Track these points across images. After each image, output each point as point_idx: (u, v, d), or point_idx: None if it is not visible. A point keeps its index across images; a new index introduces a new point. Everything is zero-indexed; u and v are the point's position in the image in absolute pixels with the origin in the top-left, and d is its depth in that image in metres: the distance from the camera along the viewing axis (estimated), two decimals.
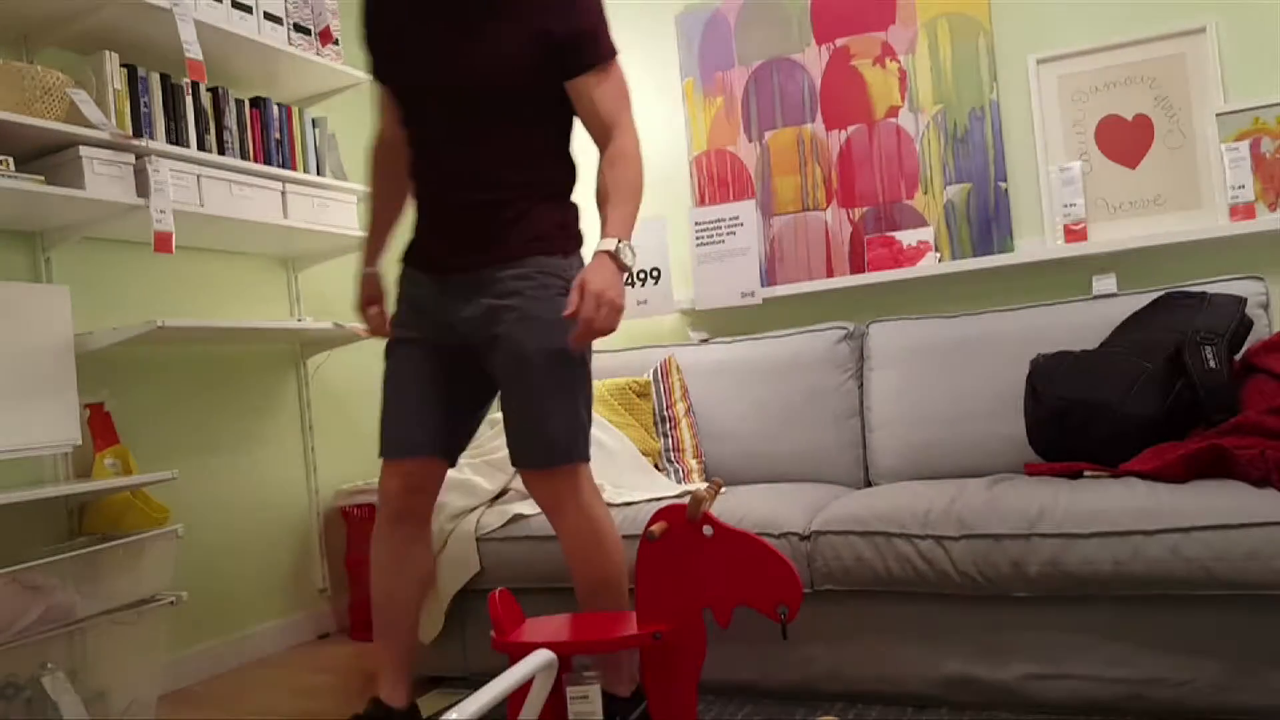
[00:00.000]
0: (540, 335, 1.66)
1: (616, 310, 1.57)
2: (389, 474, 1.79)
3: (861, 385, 2.53)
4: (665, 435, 2.57)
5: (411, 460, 1.77)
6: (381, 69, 1.79)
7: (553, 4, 1.65)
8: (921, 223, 2.82)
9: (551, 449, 1.68)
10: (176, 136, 2.42)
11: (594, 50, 1.68)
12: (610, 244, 1.61)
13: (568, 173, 1.78)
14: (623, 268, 1.61)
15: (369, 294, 1.93)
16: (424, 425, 1.76)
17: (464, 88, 1.66)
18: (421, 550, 1.84)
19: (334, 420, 3.17)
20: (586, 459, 1.73)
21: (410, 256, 1.82)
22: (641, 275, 3.02)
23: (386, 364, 1.81)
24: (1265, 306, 2.18)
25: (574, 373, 1.70)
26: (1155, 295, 2.23)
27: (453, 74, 1.66)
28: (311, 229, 2.71)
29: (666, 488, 2.33)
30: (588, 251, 1.75)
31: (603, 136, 1.71)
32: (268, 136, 2.69)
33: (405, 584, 1.82)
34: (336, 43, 2.90)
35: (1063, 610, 1.75)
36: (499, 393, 1.76)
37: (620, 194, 1.67)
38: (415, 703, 1.85)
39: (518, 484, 2.42)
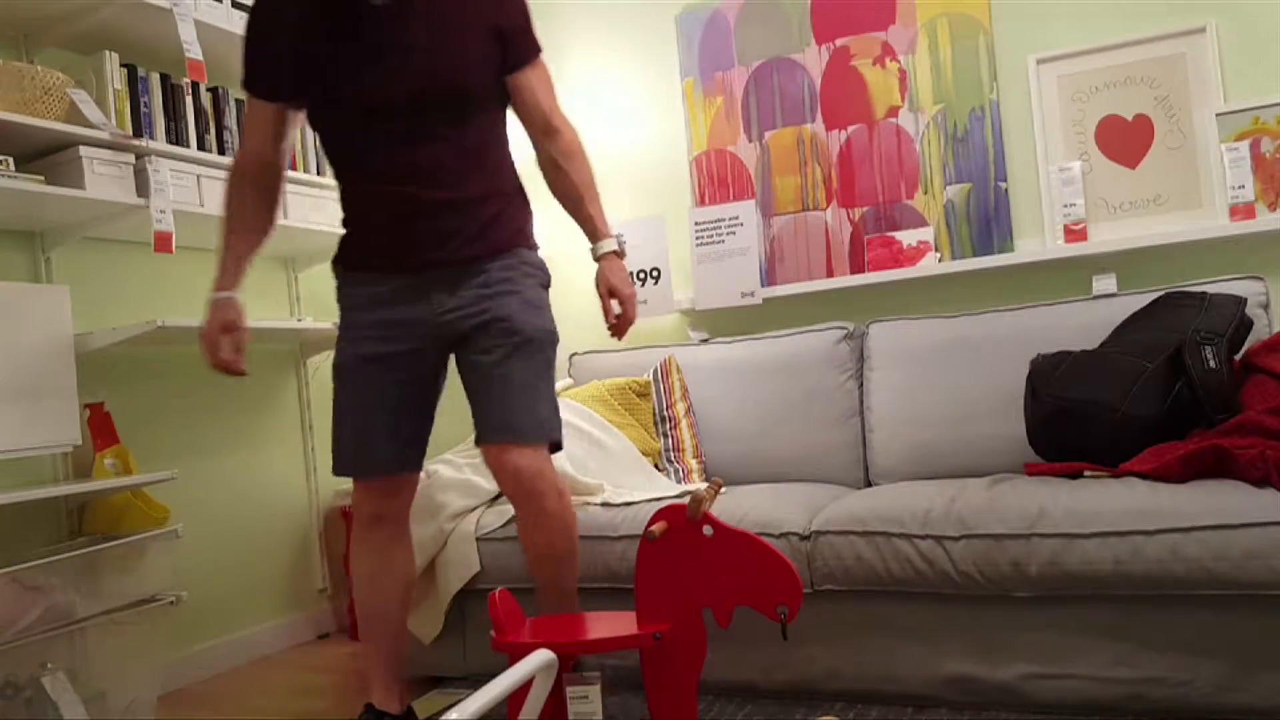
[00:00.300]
0: (537, 317, 1.74)
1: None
2: (363, 491, 1.78)
3: (861, 385, 2.53)
4: (665, 435, 2.57)
5: (386, 479, 1.77)
6: (295, 86, 1.70)
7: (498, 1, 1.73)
8: (921, 223, 2.82)
9: (544, 425, 1.72)
10: (176, 136, 2.42)
11: (531, 43, 1.77)
12: (613, 244, 1.79)
13: (515, 168, 1.83)
14: (621, 259, 1.83)
15: (227, 319, 1.71)
16: (395, 442, 1.75)
17: (437, 89, 1.66)
18: (402, 553, 1.84)
19: None
20: (561, 445, 1.78)
21: (361, 262, 1.75)
22: (641, 275, 3.02)
23: (344, 378, 1.74)
24: (1265, 306, 2.18)
25: (553, 360, 1.78)
26: (1155, 295, 2.23)
27: (424, 76, 1.65)
28: (311, 229, 2.71)
29: (666, 488, 2.33)
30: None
31: (543, 129, 1.79)
32: None
33: (389, 589, 1.81)
34: None
35: (1063, 610, 1.75)
36: (473, 377, 1.73)
37: (591, 191, 1.81)
38: (410, 706, 1.85)
39: None
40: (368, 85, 1.65)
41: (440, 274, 1.71)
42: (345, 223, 1.78)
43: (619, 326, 1.82)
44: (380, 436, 1.73)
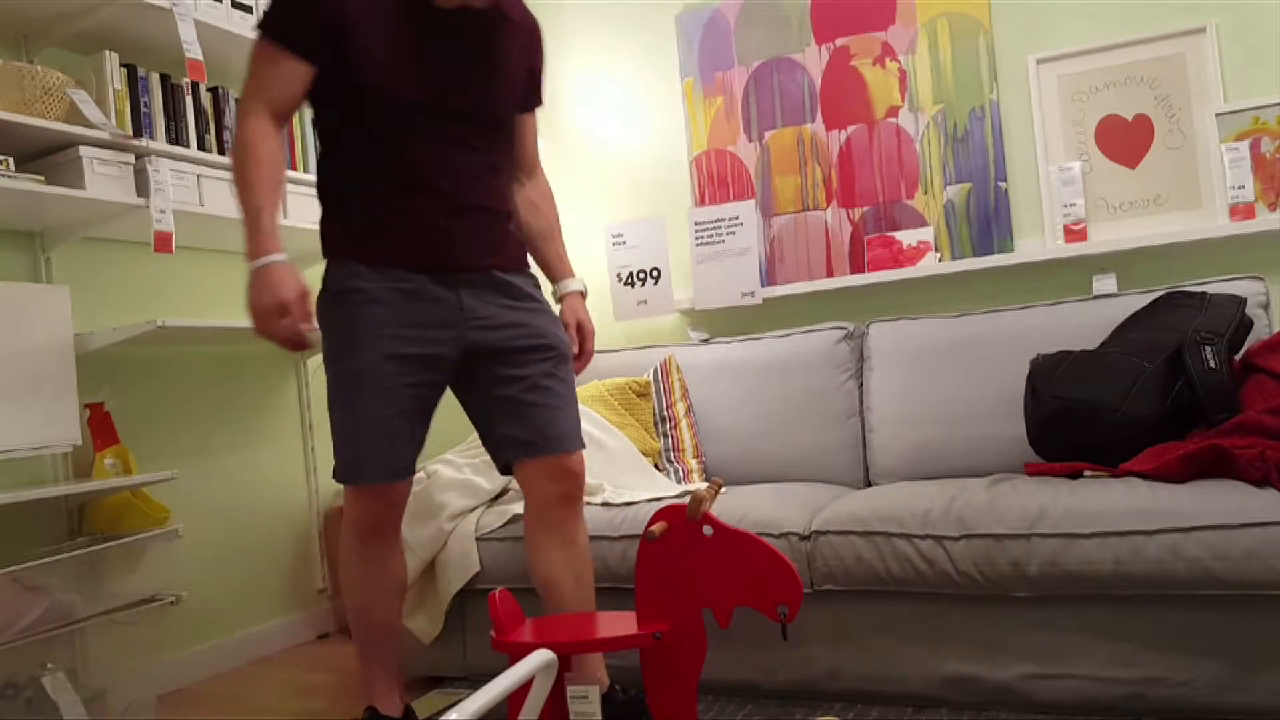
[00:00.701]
0: (563, 332, 1.82)
1: None
2: (372, 499, 1.70)
3: (861, 385, 2.53)
4: (665, 435, 2.57)
5: (400, 485, 1.72)
6: (346, 64, 1.62)
7: (537, 44, 1.85)
8: (921, 223, 2.82)
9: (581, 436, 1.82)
10: (176, 136, 2.42)
11: (541, 92, 1.90)
12: (580, 284, 1.92)
13: None
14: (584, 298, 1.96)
15: (301, 285, 1.54)
16: (410, 447, 1.71)
17: (488, 105, 1.72)
18: (397, 558, 1.81)
19: None
20: None
21: (382, 254, 1.66)
22: (641, 275, 3.02)
23: (360, 380, 1.63)
24: (1265, 306, 2.18)
25: None
26: (1155, 295, 2.23)
27: (481, 91, 1.70)
28: (311, 229, 2.71)
29: (666, 488, 2.33)
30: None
31: (529, 170, 1.91)
32: None
33: (390, 594, 1.80)
34: None
35: (1063, 610, 1.75)
36: (515, 391, 1.73)
37: (560, 234, 1.93)
38: (409, 705, 1.85)
39: (518, 484, 2.42)
40: (430, 87, 1.65)
41: (468, 277, 1.71)
42: (357, 214, 1.67)
43: (581, 361, 1.91)
44: (400, 442, 1.69)
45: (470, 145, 1.70)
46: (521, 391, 1.72)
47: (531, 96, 1.86)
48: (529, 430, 1.73)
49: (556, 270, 1.91)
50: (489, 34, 1.72)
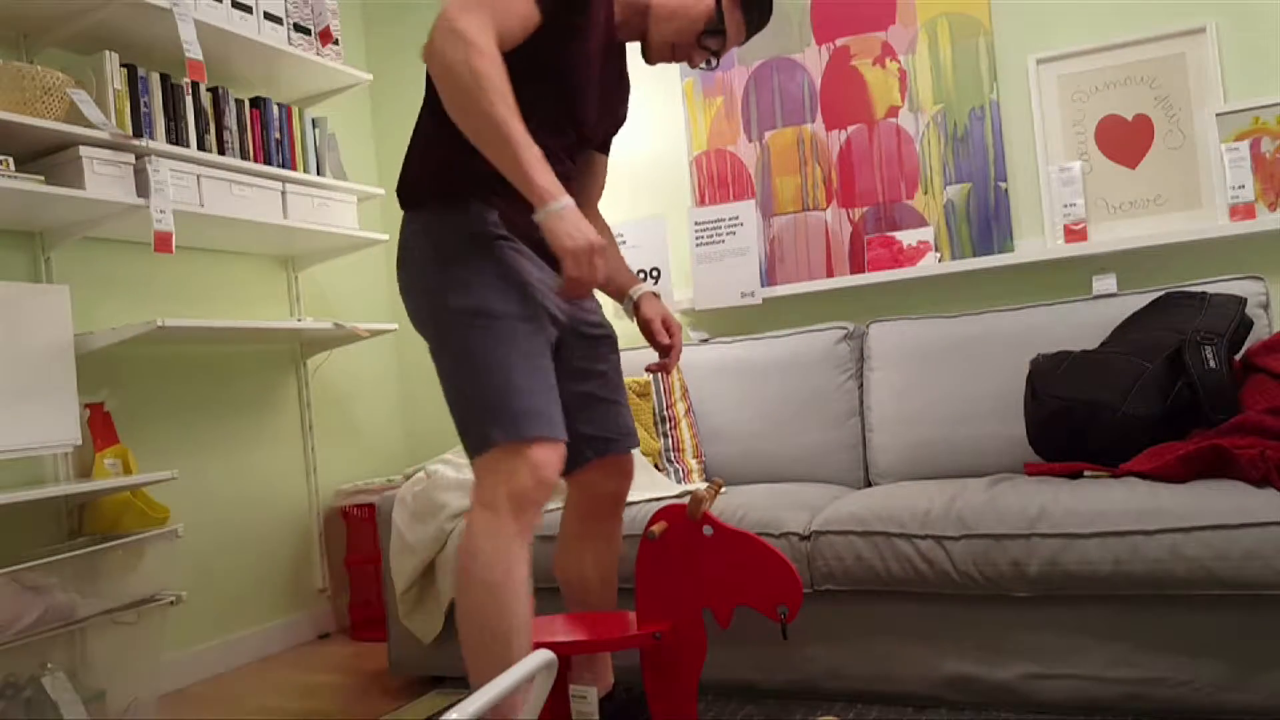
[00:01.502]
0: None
1: None
2: (548, 456, 1.43)
3: (861, 385, 2.53)
4: (665, 435, 2.57)
5: (562, 444, 1.49)
6: (549, 39, 1.56)
7: (629, 94, 1.90)
8: (921, 223, 2.82)
9: None
10: (176, 136, 2.42)
11: (612, 141, 1.94)
12: (653, 285, 1.95)
13: None
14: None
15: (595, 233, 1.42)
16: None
17: (593, 131, 1.78)
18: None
19: (334, 420, 3.18)
20: None
21: (516, 216, 1.58)
22: (641, 275, 3.01)
23: (514, 316, 1.48)
24: (1265, 306, 2.18)
25: None
26: (1155, 295, 2.23)
27: (608, 121, 1.80)
28: (311, 229, 2.71)
29: (666, 488, 2.33)
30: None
31: (594, 204, 1.94)
32: (268, 136, 2.69)
33: (526, 592, 1.49)
34: (336, 43, 2.90)
35: (1063, 610, 1.75)
36: (590, 384, 1.75)
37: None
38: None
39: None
40: (587, 97, 1.69)
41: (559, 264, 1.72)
42: (488, 177, 1.53)
43: (675, 356, 1.85)
44: (554, 394, 1.51)
45: (571, 151, 1.76)
46: (599, 388, 1.76)
47: (608, 142, 1.91)
48: (608, 428, 1.76)
49: (629, 279, 1.90)
50: (622, 79, 1.84)
